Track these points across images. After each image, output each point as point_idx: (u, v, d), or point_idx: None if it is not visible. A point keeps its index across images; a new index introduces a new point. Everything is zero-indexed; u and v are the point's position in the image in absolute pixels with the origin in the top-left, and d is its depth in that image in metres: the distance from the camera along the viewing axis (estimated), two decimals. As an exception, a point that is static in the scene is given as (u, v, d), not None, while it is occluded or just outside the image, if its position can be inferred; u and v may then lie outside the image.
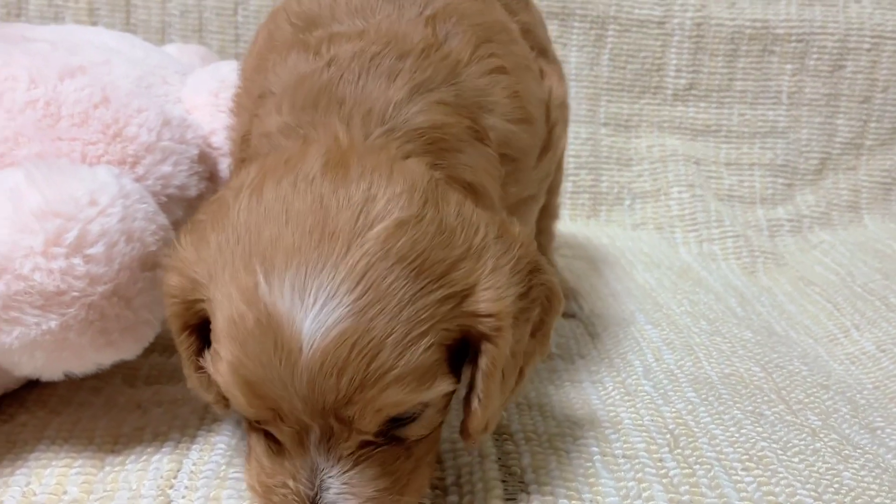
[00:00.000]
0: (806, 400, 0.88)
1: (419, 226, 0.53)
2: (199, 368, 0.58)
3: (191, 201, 0.76)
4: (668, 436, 0.75)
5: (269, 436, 0.56)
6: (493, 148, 0.67)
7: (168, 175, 0.73)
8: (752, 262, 1.37)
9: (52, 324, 0.59)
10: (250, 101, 0.71)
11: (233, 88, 0.80)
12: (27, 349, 0.60)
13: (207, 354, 0.56)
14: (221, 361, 0.53)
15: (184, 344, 0.60)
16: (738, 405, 0.83)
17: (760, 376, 0.91)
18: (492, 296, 0.54)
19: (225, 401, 0.61)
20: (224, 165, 0.81)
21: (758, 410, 0.82)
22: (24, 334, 0.59)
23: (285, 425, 0.53)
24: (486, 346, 0.56)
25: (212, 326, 0.55)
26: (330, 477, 0.54)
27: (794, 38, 1.46)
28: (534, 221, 0.89)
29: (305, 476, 0.54)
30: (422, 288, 0.52)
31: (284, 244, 0.51)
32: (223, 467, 0.68)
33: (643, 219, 1.45)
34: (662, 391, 0.84)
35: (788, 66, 1.48)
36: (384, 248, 0.51)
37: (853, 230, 1.47)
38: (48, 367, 0.62)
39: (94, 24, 1.40)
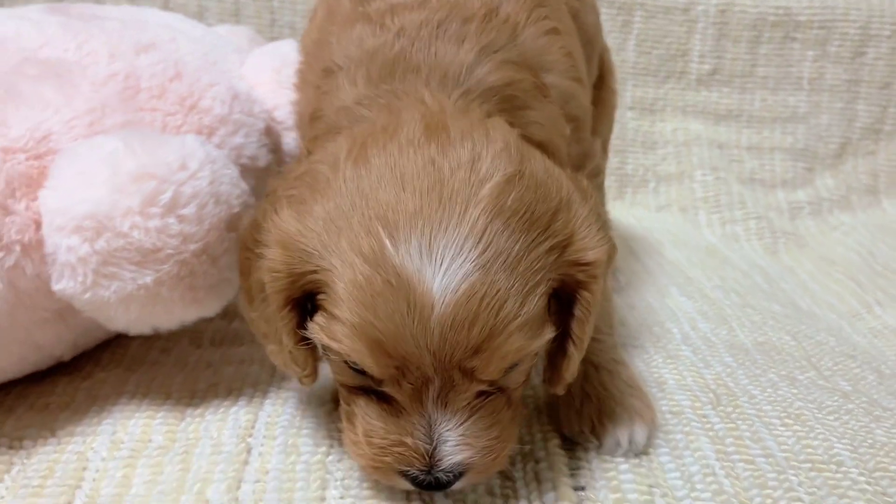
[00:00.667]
0: (835, 367, 0.92)
1: (523, 180, 0.56)
2: (300, 342, 0.60)
3: (258, 172, 0.80)
4: (710, 394, 0.80)
5: (379, 399, 0.58)
6: (557, 105, 0.70)
7: (240, 146, 0.77)
8: (773, 242, 1.41)
9: (148, 279, 0.63)
10: (314, 76, 0.73)
11: (294, 65, 0.84)
12: (123, 303, 0.64)
13: (311, 325, 0.57)
14: (343, 325, 0.54)
15: (285, 319, 0.60)
16: (772, 370, 0.87)
17: (792, 345, 0.96)
18: (589, 244, 0.57)
19: (314, 374, 0.64)
20: (288, 139, 0.85)
21: (791, 375, 0.87)
22: (122, 288, 0.63)
23: (407, 382, 0.55)
24: (581, 294, 0.59)
25: (322, 297, 0.56)
26: (447, 430, 0.56)
27: (816, 24, 1.50)
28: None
29: (423, 432, 0.56)
30: (533, 240, 0.55)
31: (405, 207, 0.53)
32: (297, 418, 0.72)
33: (668, 201, 1.49)
34: (701, 356, 0.88)
35: (810, 53, 1.52)
36: (498, 204, 0.54)
37: (872, 213, 1.51)
38: (139, 321, 0.67)
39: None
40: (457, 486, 0.58)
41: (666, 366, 0.85)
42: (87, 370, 0.79)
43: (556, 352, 0.62)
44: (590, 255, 0.58)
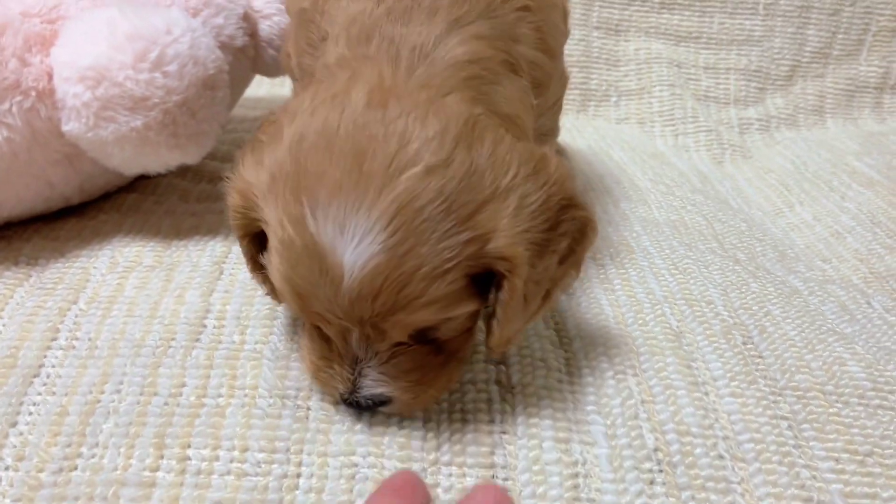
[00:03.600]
0: (738, 244, 1.07)
1: (447, 171, 0.57)
2: (258, 267, 0.67)
3: (235, 50, 0.95)
4: (611, 249, 0.94)
5: (319, 329, 0.65)
6: (526, 78, 0.73)
7: (220, 26, 0.91)
8: (720, 153, 1.54)
9: (138, 123, 0.78)
10: (303, 43, 0.77)
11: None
12: (118, 143, 0.79)
13: (266, 255, 0.63)
14: (275, 270, 0.60)
15: (245, 248, 0.68)
16: (676, 238, 1.01)
17: (702, 224, 1.10)
18: (506, 242, 0.58)
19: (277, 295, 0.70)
20: (264, 26, 0.99)
21: (691, 244, 1.01)
22: (117, 130, 0.78)
23: (330, 326, 0.61)
24: (504, 282, 0.60)
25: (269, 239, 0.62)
26: (368, 367, 0.63)
27: (771, -47, 1.61)
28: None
29: (348, 363, 0.64)
30: (447, 230, 0.57)
31: (327, 180, 0.56)
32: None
33: (627, 114, 1.62)
34: (614, 226, 1.03)
35: (765, -21, 1.63)
36: (413, 193, 0.55)
37: (816, 131, 1.64)
38: (132, 161, 0.82)
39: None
40: (384, 410, 0.66)
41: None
42: (92, 213, 0.94)
43: (488, 324, 0.65)
44: (505, 251, 0.58)
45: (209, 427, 0.66)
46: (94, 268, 0.84)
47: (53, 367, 0.71)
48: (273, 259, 0.60)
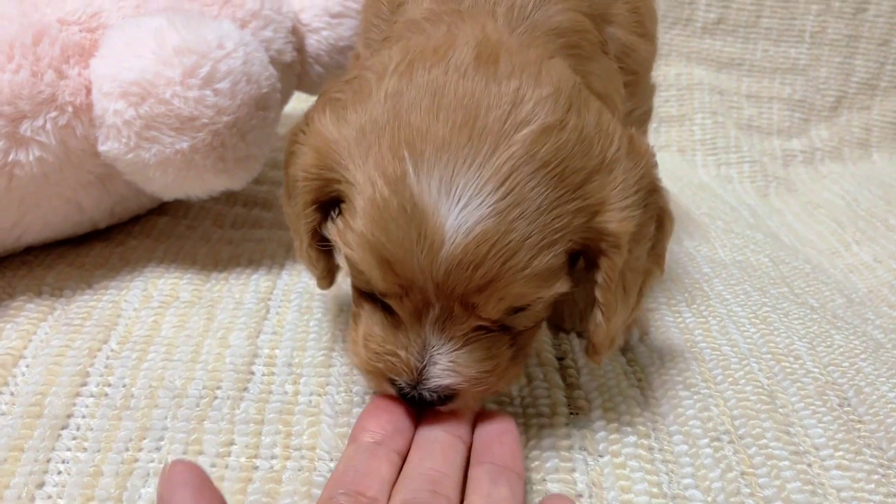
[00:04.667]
0: (807, 288, 1.00)
1: (562, 133, 0.53)
2: (318, 243, 0.62)
3: (284, 66, 0.87)
4: (685, 295, 0.87)
5: (384, 308, 0.59)
6: (615, 60, 0.69)
7: (269, 39, 0.84)
8: (765, 185, 1.48)
9: (184, 145, 0.71)
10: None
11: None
12: (161, 165, 0.71)
13: (330, 225, 0.58)
14: (356, 236, 0.54)
15: (308, 218, 0.61)
16: (747, 282, 0.94)
17: (769, 265, 1.03)
18: (618, 216, 0.55)
19: (330, 277, 0.66)
20: (311, 41, 0.92)
21: (764, 288, 0.94)
22: (160, 152, 0.71)
23: (409, 301, 0.55)
24: (602, 261, 0.57)
25: (344, 206, 0.57)
26: (439, 353, 0.56)
27: (821, -20, 1.55)
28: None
29: (417, 349, 0.57)
30: (559, 196, 0.53)
31: (435, 136, 0.52)
32: (311, 287, 0.80)
33: (668, 141, 1.55)
34: (681, 266, 0.95)
35: (813, 7, 1.57)
36: (529, 153, 0.52)
37: (862, 165, 1.57)
38: (174, 185, 0.74)
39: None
40: (443, 408, 0.59)
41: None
42: (120, 239, 0.87)
43: (588, 324, 0.62)
44: (613, 227, 0.55)
45: (264, 496, 0.58)
46: (126, 301, 0.76)
47: (84, 417, 0.63)
48: (357, 223, 0.54)
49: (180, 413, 0.64)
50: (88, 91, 0.71)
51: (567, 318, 0.78)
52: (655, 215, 0.62)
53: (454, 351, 0.57)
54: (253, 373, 0.69)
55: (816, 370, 0.77)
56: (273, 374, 0.69)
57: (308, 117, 0.61)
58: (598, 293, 0.59)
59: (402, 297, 0.55)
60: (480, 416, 0.62)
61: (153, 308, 0.75)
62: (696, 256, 0.99)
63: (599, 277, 0.58)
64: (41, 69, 0.68)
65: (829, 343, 0.82)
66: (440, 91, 0.53)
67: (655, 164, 0.62)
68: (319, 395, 0.67)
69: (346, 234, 0.55)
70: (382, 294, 0.57)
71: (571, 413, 0.68)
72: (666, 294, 0.86)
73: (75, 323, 0.73)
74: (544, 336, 0.76)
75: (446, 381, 0.57)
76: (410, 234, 0.52)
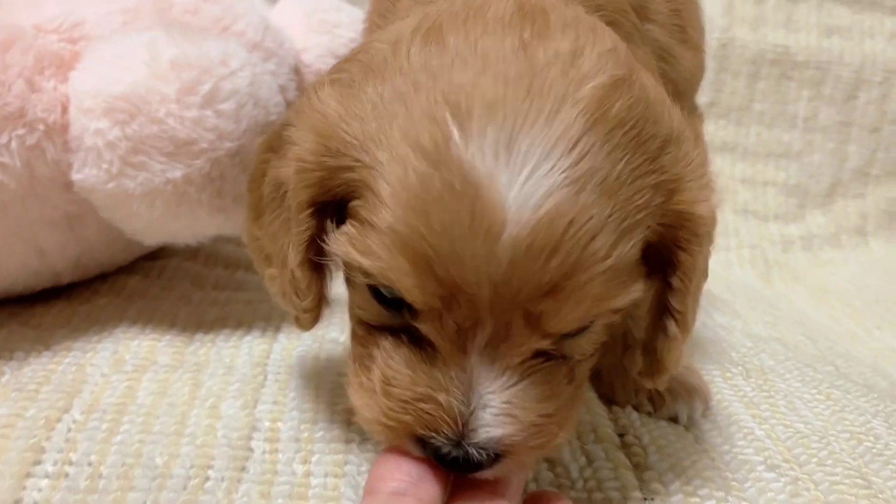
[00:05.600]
0: (849, 368, 0.90)
1: (632, 90, 0.44)
2: (311, 258, 0.49)
3: (286, 104, 0.77)
4: (739, 368, 0.77)
5: (410, 342, 0.46)
6: (652, 57, 0.60)
7: (272, 72, 0.74)
8: (767, 271, 1.41)
9: (177, 173, 0.59)
10: None
11: (323, 13, 0.83)
12: (148, 198, 0.60)
13: (336, 235, 0.45)
14: (382, 236, 0.42)
15: (302, 225, 0.48)
16: (792, 358, 0.85)
17: (807, 342, 0.94)
18: (699, 196, 0.46)
19: (317, 309, 0.52)
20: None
21: (811, 364, 0.84)
22: (148, 181, 0.59)
23: (452, 319, 0.42)
24: (680, 258, 0.47)
25: (357, 203, 0.45)
26: (490, 392, 0.43)
27: (812, 65, 1.53)
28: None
29: (461, 389, 0.43)
30: (638, 166, 0.43)
31: (483, 92, 0.41)
32: (315, 349, 0.67)
33: (663, 225, 1.49)
34: (722, 339, 0.85)
35: (805, 92, 1.54)
36: (601, 110, 0.42)
37: (860, 252, 1.52)
38: (161, 223, 0.62)
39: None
40: (485, 474, 0.45)
41: (689, 346, 0.82)
42: (85, 297, 0.73)
43: (653, 336, 0.52)
44: (698, 209, 0.46)
45: None
46: (92, 365, 0.63)
47: (36, 503, 0.49)
48: (383, 217, 0.42)
49: (163, 497, 0.50)
50: (65, 109, 0.60)
51: (619, 390, 0.67)
52: None
53: (510, 387, 0.44)
54: (252, 449, 0.55)
55: (902, 452, 0.67)
56: (277, 451, 0.56)
57: (282, 124, 0.51)
58: (672, 299, 0.48)
59: (441, 315, 0.42)
60: (532, 499, 0.49)
61: (126, 372, 0.62)
62: (733, 331, 0.90)
63: (675, 280, 0.48)
64: (9, 79, 0.57)
65: (902, 423, 0.72)
66: (482, 45, 0.43)
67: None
68: (337, 477, 0.54)
69: (366, 237, 0.43)
70: (413, 315, 0.44)
71: (646, 499, 0.55)
72: (718, 366, 0.76)
73: (29, 388, 0.59)
74: (598, 408, 0.65)
75: (499, 432, 0.43)
76: (461, 217, 0.40)
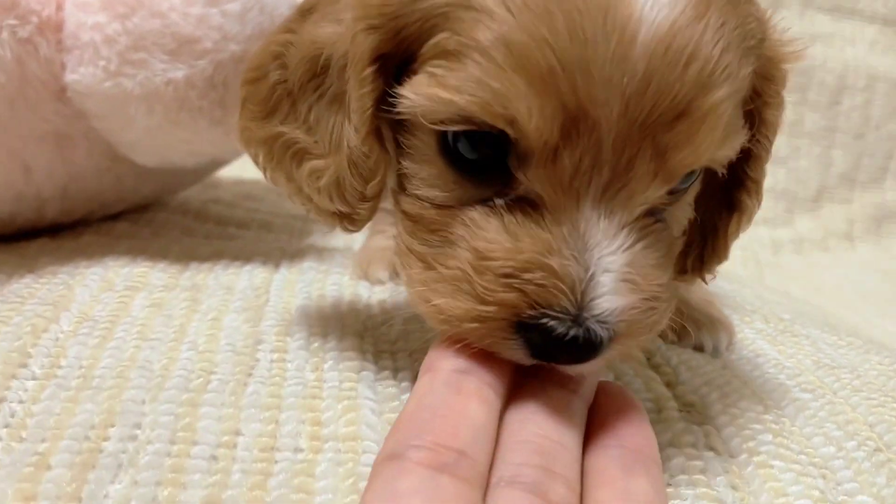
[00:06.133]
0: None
1: None
2: (374, 131, 0.43)
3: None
4: (757, 314, 0.74)
5: (507, 210, 0.39)
6: None
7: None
8: (759, 272, 1.39)
9: (179, 73, 0.56)
10: None
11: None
12: (146, 100, 0.56)
13: (412, 83, 0.39)
14: (487, 55, 0.36)
15: (365, 85, 0.41)
16: (808, 314, 0.82)
17: (815, 310, 0.91)
18: (783, 50, 0.44)
19: (376, 200, 0.45)
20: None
21: (826, 322, 0.82)
22: (148, 81, 0.56)
23: (568, 157, 0.36)
24: (767, 115, 0.45)
25: (436, 41, 0.39)
26: (610, 254, 0.37)
27: (796, 70, 1.53)
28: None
29: (576, 250, 0.37)
30: None
31: None
32: (321, 273, 0.63)
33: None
34: (734, 297, 0.83)
35: (790, 97, 1.54)
36: None
37: (848, 256, 1.51)
38: (157, 134, 0.58)
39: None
40: (591, 366, 0.39)
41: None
42: (71, 236, 0.69)
43: (715, 217, 0.49)
44: (785, 58, 0.44)
45: (294, 490, 0.40)
46: (82, 286, 0.58)
47: (21, 402, 0.45)
48: (489, 27, 0.36)
49: (163, 396, 0.45)
50: (59, 6, 0.56)
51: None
52: None
53: (629, 249, 0.37)
54: (258, 359, 0.51)
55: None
56: (285, 360, 0.51)
57: None
58: (749, 167, 0.45)
59: (556, 153, 0.36)
60: (599, 389, 0.44)
61: (117, 292, 0.57)
62: (743, 293, 0.87)
63: (755, 143, 0.44)
64: (1, -36, 0.54)
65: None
66: None
67: None
68: (353, 381, 0.49)
69: (458, 70, 0.36)
70: (523, 162, 0.37)
71: (681, 410, 0.52)
72: (734, 312, 0.73)
73: (12, 301, 0.54)
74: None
75: (624, 301, 0.36)
76: (592, 16, 0.34)
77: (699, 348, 0.62)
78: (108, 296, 0.56)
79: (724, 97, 0.37)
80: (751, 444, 0.49)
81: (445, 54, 0.38)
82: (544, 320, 0.36)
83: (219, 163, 0.77)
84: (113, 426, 0.43)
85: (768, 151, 0.46)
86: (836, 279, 1.35)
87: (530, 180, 0.38)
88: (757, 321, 0.72)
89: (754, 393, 0.55)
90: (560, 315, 0.36)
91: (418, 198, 0.42)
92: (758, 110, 0.44)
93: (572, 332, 0.36)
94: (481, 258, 0.38)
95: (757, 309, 0.77)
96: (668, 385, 0.55)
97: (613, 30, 0.35)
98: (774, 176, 1.55)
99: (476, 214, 0.39)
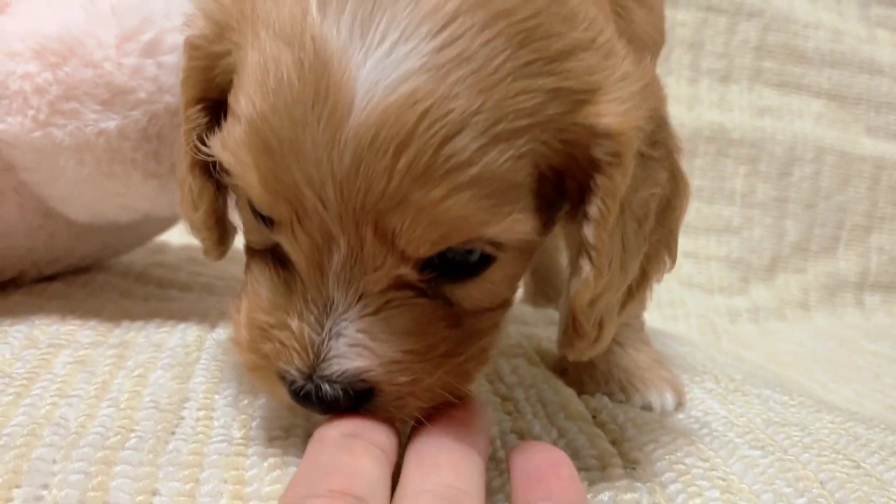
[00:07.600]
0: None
1: None
2: (199, 164, 0.45)
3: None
4: (707, 374, 0.73)
5: (276, 263, 0.43)
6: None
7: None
8: (716, 340, 1.38)
9: (112, 124, 0.55)
10: None
11: None
12: (78, 151, 0.55)
13: (217, 134, 0.41)
14: (238, 125, 0.38)
15: (190, 121, 0.44)
16: (760, 375, 0.81)
17: (768, 372, 0.91)
18: (618, 109, 0.40)
19: (217, 232, 0.48)
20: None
21: (779, 383, 0.81)
22: (79, 131, 0.54)
23: (303, 232, 0.39)
24: (598, 181, 0.41)
25: (232, 94, 0.41)
26: (345, 319, 0.39)
27: (747, 143, 1.57)
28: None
29: (315, 315, 0.39)
30: (527, 63, 0.38)
31: None
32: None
33: (609, 296, 1.46)
34: (685, 358, 0.82)
35: (742, 168, 1.58)
36: None
37: (805, 325, 1.52)
38: (88, 187, 0.57)
39: None
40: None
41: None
42: (0, 296, 0.66)
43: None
44: (610, 122, 0.39)
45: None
46: (4, 343, 0.56)
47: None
48: (240, 103, 0.38)
49: (76, 454, 0.43)
50: (-11, 56, 0.55)
51: (587, 381, 0.62)
52: (668, 163, 0.45)
53: (365, 316, 0.39)
54: (182, 417, 0.48)
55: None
56: (212, 417, 0.49)
57: None
58: (587, 231, 0.41)
59: (293, 224, 0.39)
60: (520, 448, 0.43)
61: (40, 349, 0.55)
62: (695, 355, 0.86)
63: (591, 209, 0.41)
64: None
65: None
66: None
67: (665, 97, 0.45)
68: (283, 439, 0.47)
69: (230, 130, 0.39)
70: (270, 224, 0.41)
71: (626, 467, 0.50)
72: (684, 372, 0.72)
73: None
74: (567, 391, 0.59)
75: (352, 365, 0.39)
76: (304, 97, 0.36)
77: (647, 407, 0.61)
78: (29, 353, 0.54)
79: (450, 189, 0.36)
80: (697, 500, 0.47)
81: (230, 111, 0.40)
82: (286, 375, 0.41)
83: (160, 223, 0.75)
84: (18, 487, 0.40)
85: (606, 219, 0.41)
86: (793, 347, 1.35)
87: (284, 246, 0.41)
88: (707, 381, 0.71)
89: (702, 450, 0.54)
90: (295, 373, 0.40)
91: (245, 238, 0.46)
92: (585, 177, 0.42)
93: (306, 388, 0.40)
94: (250, 312, 0.43)
95: (708, 370, 0.75)
96: (614, 442, 0.53)
97: (323, 112, 0.36)
98: (728, 245, 1.57)
99: (255, 266, 0.44)
